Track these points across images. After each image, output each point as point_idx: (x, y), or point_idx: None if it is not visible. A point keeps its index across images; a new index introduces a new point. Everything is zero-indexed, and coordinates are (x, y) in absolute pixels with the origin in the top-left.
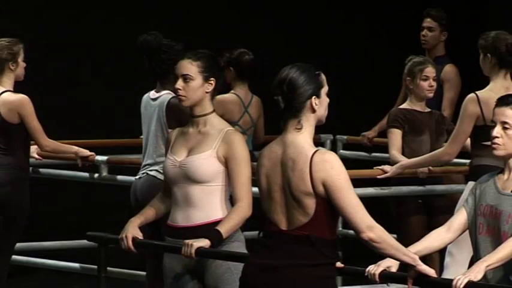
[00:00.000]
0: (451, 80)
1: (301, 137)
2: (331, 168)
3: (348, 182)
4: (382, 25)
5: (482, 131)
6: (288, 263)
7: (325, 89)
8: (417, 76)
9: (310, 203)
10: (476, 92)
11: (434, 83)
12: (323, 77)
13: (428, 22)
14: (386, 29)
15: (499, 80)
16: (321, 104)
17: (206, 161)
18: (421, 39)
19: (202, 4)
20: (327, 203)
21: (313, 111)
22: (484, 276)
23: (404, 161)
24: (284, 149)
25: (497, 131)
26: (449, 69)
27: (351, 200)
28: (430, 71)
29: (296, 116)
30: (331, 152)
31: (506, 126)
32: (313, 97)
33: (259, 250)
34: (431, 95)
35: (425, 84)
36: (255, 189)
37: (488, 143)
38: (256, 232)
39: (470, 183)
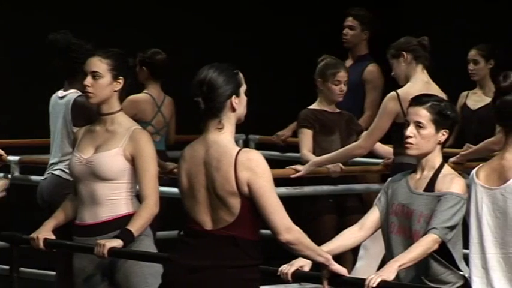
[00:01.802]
0: (374, 81)
1: (223, 137)
2: (256, 167)
3: (271, 183)
4: (299, 24)
5: (402, 129)
6: (213, 264)
7: (243, 88)
8: (329, 79)
9: (235, 203)
10: (397, 90)
11: (345, 88)
12: (241, 76)
13: (349, 21)
14: (303, 28)
15: (418, 75)
16: (240, 103)
17: (112, 159)
18: (342, 38)
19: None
20: (252, 203)
21: (234, 110)
22: (396, 276)
23: (316, 158)
24: (207, 148)
25: (410, 130)
26: (371, 69)
27: (272, 201)
28: (342, 75)
29: (217, 115)
30: (256, 151)
31: (420, 125)
32: (233, 96)
33: (183, 250)
34: (340, 99)
35: (336, 88)
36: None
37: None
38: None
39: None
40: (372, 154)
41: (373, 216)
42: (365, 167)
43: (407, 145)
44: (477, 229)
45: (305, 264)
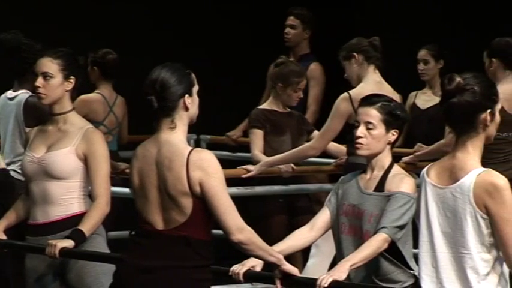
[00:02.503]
0: (316, 78)
1: (175, 136)
2: (208, 167)
3: (223, 183)
4: (246, 24)
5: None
6: (165, 264)
7: (196, 88)
8: (291, 86)
9: (187, 203)
10: (349, 91)
11: (302, 95)
12: (193, 76)
13: (291, 20)
14: (250, 28)
15: (369, 76)
16: (193, 103)
17: (65, 157)
18: (284, 37)
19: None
20: (204, 203)
21: (186, 109)
22: (348, 275)
23: (268, 158)
24: (159, 148)
25: (360, 130)
26: (314, 68)
27: (224, 201)
28: (303, 84)
29: (169, 115)
30: (208, 151)
31: (370, 126)
32: (186, 96)
33: (134, 250)
34: (295, 104)
35: (295, 95)
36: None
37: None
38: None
39: None
40: (324, 154)
41: (323, 216)
42: (317, 167)
43: (358, 145)
44: (427, 228)
45: (257, 264)
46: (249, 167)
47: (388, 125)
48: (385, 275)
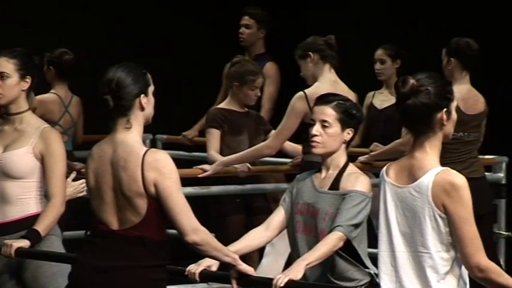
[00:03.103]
0: (271, 77)
1: (130, 136)
2: (163, 167)
3: (178, 183)
4: (202, 24)
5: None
6: (120, 265)
7: (151, 88)
8: (247, 84)
9: (142, 203)
10: (305, 90)
11: (259, 93)
12: (149, 76)
13: (246, 20)
14: (206, 28)
15: (325, 75)
16: (149, 103)
17: (22, 157)
18: (239, 37)
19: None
20: (159, 204)
21: (142, 109)
22: (303, 274)
23: (224, 158)
24: (114, 148)
25: (316, 129)
26: (269, 67)
27: (178, 201)
28: (260, 82)
29: (125, 115)
30: (163, 152)
31: (326, 124)
32: (142, 95)
33: (89, 250)
34: (253, 103)
35: (252, 93)
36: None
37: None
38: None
39: None
40: (281, 153)
41: (278, 216)
42: (273, 167)
43: (313, 144)
44: (386, 227)
45: (212, 264)
46: (205, 166)
47: (344, 124)
48: (340, 273)
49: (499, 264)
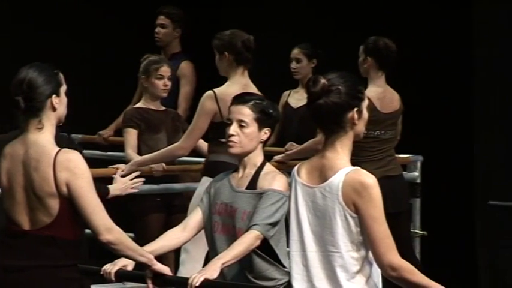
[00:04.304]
0: (187, 76)
1: (42, 137)
2: (75, 167)
3: (90, 183)
4: (119, 23)
5: (219, 128)
6: (32, 264)
7: (64, 88)
8: (152, 75)
9: (54, 204)
10: (214, 89)
11: (169, 83)
12: (61, 76)
13: (161, 19)
14: (124, 28)
15: (237, 77)
16: (61, 103)
17: None
18: (155, 37)
19: None
20: (71, 204)
21: (54, 109)
22: (221, 273)
23: (138, 158)
24: (26, 148)
25: (233, 129)
26: (185, 66)
27: (91, 201)
28: (165, 70)
29: (37, 115)
30: (75, 151)
31: (243, 124)
32: (53, 96)
33: (2, 250)
34: (165, 94)
35: (160, 83)
36: None
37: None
38: None
39: (205, 179)
40: (195, 153)
41: (196, 217)
42: (186, 166)
43: (231, 143)
44: (297, 226)
45: (128, 264)
46: (120, 166)
47: (261, 124)
48: (259, 272)
49: (417, 262)
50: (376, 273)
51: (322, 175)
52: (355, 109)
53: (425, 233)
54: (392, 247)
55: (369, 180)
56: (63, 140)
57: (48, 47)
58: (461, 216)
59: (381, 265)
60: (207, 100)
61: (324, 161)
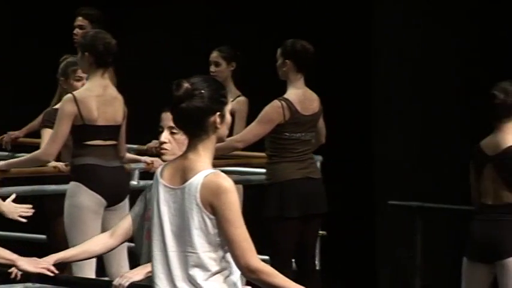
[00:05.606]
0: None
1: None
2: None
3: None
4: (36, 23)
5: (81, 130)
6: None
7: None
8: (70, 76)
9: None
10: (74, 92)
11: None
12: None
13: (79, 21)
14: (43, 30)
15: (97, 78)
16: None
17: None
18: (73, 38)
19: None
20: None
21: None
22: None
23: (10, 160)
24: None
25: (165, 136)
26: None
27: None
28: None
29: None
30: None
31: (174, 131)
32: None
33: None
34: None
35: (78, 84)
36: None
37: (92, 142)
38: None
39: (73, 184)
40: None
41: (125, 224)
42: (39, 169)
43: (163, 151)
44: (159, 227)
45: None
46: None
47: None
48: None
49: (314, 265)
50: (237, 272)
51: (183, 176)
52: (218, 113)
53: (325, 233)
54: (250, 249)
55: (226, 183)
56: None
57: None
58: (361, 216)
59: (239, 267)
60: (66, 103)
61: (185, 162)
